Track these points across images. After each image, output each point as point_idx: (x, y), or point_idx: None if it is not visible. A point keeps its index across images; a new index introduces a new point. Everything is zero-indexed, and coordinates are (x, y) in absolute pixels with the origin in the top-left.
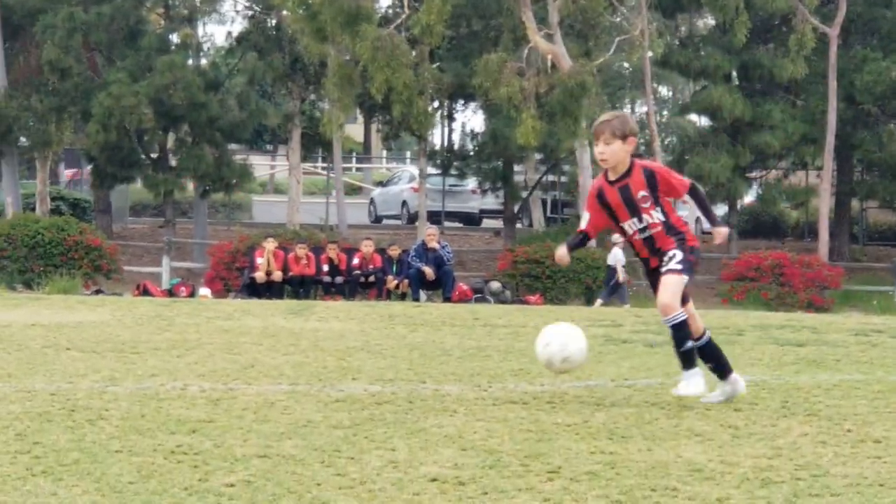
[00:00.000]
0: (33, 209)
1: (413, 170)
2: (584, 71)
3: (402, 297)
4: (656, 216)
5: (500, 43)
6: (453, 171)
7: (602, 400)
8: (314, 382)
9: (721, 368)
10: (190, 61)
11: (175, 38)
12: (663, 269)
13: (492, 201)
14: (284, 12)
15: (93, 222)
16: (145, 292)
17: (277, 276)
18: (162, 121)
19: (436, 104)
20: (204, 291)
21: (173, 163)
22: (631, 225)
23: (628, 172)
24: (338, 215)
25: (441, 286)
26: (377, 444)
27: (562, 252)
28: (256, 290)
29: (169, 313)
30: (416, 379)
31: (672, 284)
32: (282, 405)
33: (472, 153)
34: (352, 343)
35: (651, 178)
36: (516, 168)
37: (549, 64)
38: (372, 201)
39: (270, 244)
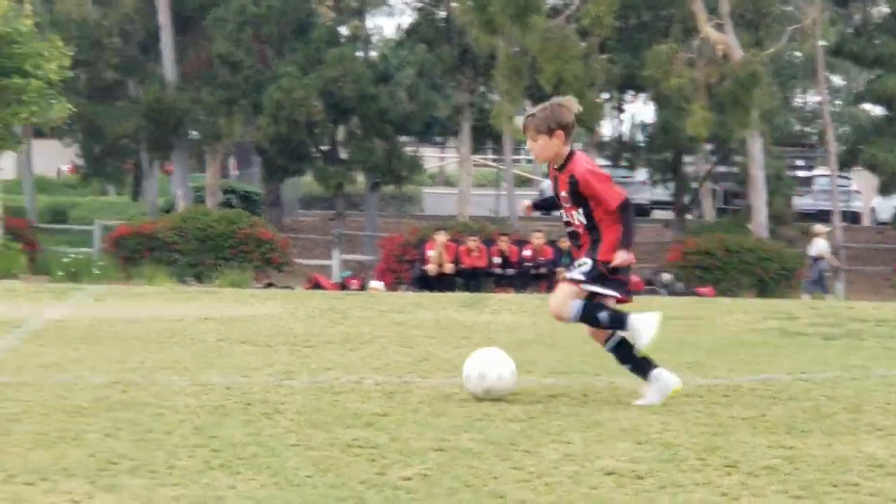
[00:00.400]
0: (204, 202)
1: None
2: (756, 61)
3: None
4: (577, 217)
5: (671, 33)
6: (623, 163)
7: (779, 393)
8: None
9: (641, 368)
10: (359, 54)
11: (345, 30)
12: (566, 274)
13: (662, 192)
14: (453, 4)
15: (263, 215)
16: (316, 285)
17: (449, 268)
18: (332, 113)
19: (606, 95)
20: (375, 284)
21: (344, 155)
22: (561, 214)
23: (562, 167)
24: (508, 207)
25: None
26: (553, 437)
27: (525, 203)
28: (428, 282)
29: (342, 306)
30: (590, 371)
31: (562, 291)
32: (457, 398)
33: (642, 144)
34: (525, 335)
35: (574, 185)
36: (686, 159)
37: (719, 54)
38: (541, 193)
39: (442, 236)
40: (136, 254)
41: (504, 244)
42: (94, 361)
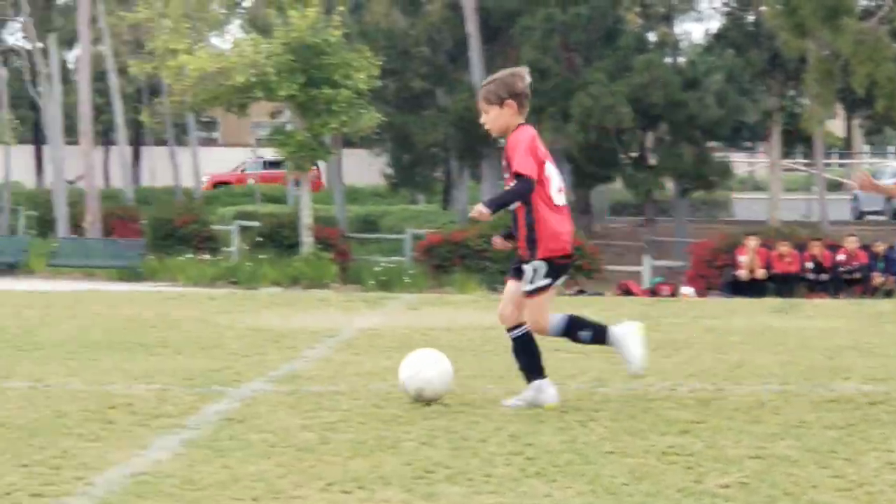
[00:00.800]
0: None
1: None
2: None
3: (888, 293)
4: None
5: None
6: None
7: None
8: (804, 382)
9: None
10: (668, 60)
11: (652, 36)
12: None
13: None
14: (762, 8)
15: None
16: (627, 292)
17: (761, 273)
18: (640, 120)
19: None
20: (686, 290)
21: (652, 161)
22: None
23: (507, 139)
24: (820, 211)
25: None
26: (874, 446)
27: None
28: (740, 288)
29: (654, 313)
30: None
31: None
32: (772, 405)
33: None
34: (840, 342)
35: (505, 150)
36: None
37: None
38: (855, 197)
39: (753, 242)
40: (446, 262)
41: (817, 249)
42: None
